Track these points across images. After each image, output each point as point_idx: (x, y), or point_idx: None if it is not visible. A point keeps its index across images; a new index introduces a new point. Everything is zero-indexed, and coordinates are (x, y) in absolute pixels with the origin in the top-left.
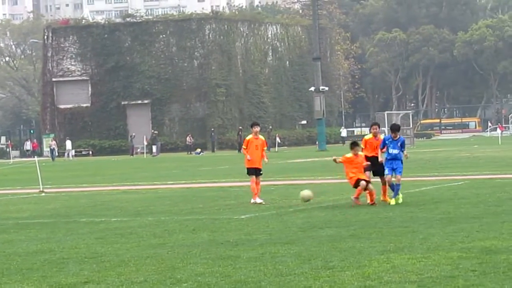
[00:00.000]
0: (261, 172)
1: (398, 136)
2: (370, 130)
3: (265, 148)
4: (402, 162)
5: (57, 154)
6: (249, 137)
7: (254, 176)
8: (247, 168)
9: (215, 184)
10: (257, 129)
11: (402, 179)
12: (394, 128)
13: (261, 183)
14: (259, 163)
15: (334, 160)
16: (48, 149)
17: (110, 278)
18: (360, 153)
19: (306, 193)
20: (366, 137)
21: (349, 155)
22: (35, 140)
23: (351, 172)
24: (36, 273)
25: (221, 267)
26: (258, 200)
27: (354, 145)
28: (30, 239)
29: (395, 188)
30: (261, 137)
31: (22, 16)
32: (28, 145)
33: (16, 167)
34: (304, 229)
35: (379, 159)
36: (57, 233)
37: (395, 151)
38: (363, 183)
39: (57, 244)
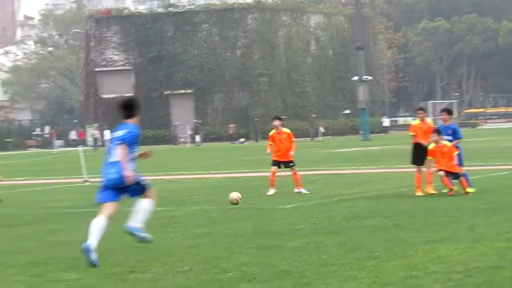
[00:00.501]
0: (292, 164)
1: (450, 122)
2: (416, 115)
3: (293, 140)
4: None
5: (100, 143)
6: (272, 132)
7: (274, 168)
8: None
9: (258, 173)
10: (276, 123)
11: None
12: (446, 110)
13: (306, 172)
14: (286, 156)
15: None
16: (91, 139)
17: (155, 267)
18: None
19: (233, 195)
20: (414, 123)
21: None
22: (81, 129)
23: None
24: (82, 262)
25: (265, 257)
26: (271, 192)
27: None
28: (74, 229)
29: (464, 177)
30: (286, 130)
31: (65, 6)
32: (73, 135)
33: (60, 157)
34: (348, 218)
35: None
36: None
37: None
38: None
39: None
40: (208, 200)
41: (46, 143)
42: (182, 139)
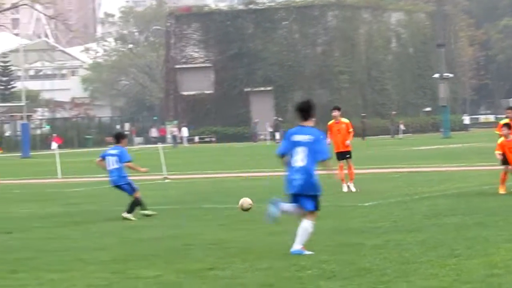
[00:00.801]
0: (348, 156)
1: None
2: (505, 115)
3: (350, 130)
4: None
5: (179, 140)
6: (330, 122)
7: (340, 162)
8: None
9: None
10: (336, 113)
11: None
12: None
13: (386, 170)
14: (343, 146)
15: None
16: (170, 136)
17: (235, 264)
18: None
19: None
20: (502, 122)
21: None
22: (162, 126)
23: None
24: (161, 259)
25: (345, 255)
26: (345, 189)
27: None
28: (154, 226)
29: None
30: (344, 120)
31: (145, 3)
32: (154, 132)
33: (140, 154)
34: (429, 216)
35: None
36: (181, 220)
37: None
38: None
39: (181, 231)
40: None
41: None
42: (261, 136)
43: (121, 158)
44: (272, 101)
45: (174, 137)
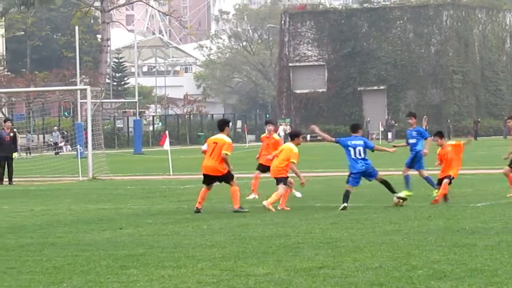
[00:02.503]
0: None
1: None
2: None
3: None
4: None
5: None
6: (263, 135)
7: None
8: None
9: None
10: (270, 127)
11: None
12: None
13: (496, 171)
14: (268, 161)
15: None
16: (283, 134)
17: (345, 263)
18: None
19: None
20: None
21: None
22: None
23: None
24: (271, 257)
25: (456, 255)
26: (251, 196)
27: None
28: (265, 223)
29: None
30: (276, 136)
31: (260, 1)
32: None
33: (252, 152)
34: None
35: None
36: (292, 218)
37: None
38: None
39: (292, 229)
40: None
41: (238, 138)
42: (374, 135)
43: None
44: (384, 100)
45: (286, 136)
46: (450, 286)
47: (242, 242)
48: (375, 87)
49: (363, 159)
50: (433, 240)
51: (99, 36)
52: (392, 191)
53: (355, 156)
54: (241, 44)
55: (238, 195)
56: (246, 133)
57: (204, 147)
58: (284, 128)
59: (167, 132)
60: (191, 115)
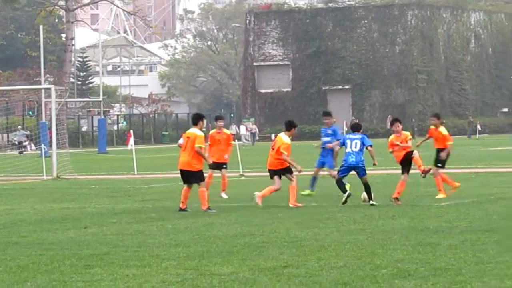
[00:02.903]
0: (225, 166)
1: None
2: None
3: (231, 142)
4: None
5: (257, 138)
6: (212, 131)
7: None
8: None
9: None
10: (220, 123)
11: None
12: None
13: (462, 170)
14: (221, 158)
15: None
16: (249, 133)
17: (310, 262)
18: None
19: None
20: None
21: None
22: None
23: None
24: (236, 256)
25: (420, 254)
26: (224, 196)
27: None
28: (230, 223)
29: None
30: (226, 131)
31: (225, 0)
32: (233, 129)
33: None
34: (505, 217)
35: None
36: (257, 217)
37: None
38: None
39: (256, 228)
40: None
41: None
42: None
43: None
44: (349, 100)
45: (253, 135)
46: (414, 285)
47: (207, 242)
48: (340, 87)
49: (357, 152)
50: (397, 239)
51: (63, 35)
52: (370, 198)
53: (350, 148)
54: (206, 44)
55: (206, 196)
56: (210, 131)
57: (181, 141)
58: (250, 127)
59: (131, 131)
60: (156, 115)
